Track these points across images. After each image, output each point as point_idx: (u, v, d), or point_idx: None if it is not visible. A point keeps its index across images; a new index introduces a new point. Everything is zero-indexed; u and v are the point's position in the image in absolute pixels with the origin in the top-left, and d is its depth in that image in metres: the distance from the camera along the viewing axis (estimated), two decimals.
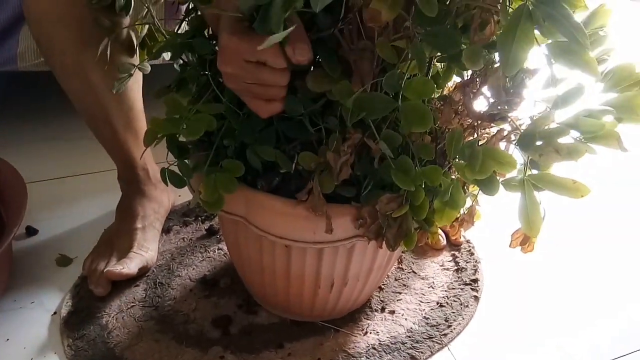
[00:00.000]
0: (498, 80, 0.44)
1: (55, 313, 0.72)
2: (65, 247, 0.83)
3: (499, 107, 0.46)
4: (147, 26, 0.70)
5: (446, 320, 0.71)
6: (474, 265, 0.80)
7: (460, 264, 0.80)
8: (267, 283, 0.64)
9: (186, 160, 0.56)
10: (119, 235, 0.78)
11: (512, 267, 0.82)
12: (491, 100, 0.47)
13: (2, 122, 1.15)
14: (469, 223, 0.53)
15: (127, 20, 0.69)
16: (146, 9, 0.67)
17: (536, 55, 0.45)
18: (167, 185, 0.57)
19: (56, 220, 0.89)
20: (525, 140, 0.44)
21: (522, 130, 0.46)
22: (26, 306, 0.74)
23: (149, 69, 0.67)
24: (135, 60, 0.72)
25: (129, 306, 0.72)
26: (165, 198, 0.87)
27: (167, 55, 0.65)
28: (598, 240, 0.89)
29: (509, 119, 0.47)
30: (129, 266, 0.73)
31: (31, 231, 0.86)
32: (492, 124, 0.49)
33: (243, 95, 0.50)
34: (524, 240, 0.51)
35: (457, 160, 0.48)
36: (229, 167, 0.52)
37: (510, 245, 0.53)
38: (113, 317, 0.70)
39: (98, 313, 0.71)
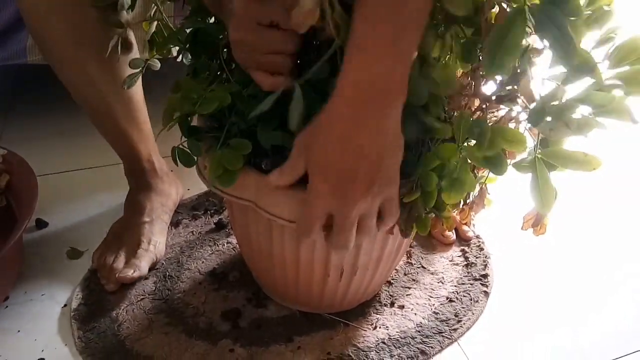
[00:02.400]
0: None
1: (65, 305, 0.73)
2: (75, 240, 0.83)
3: (508, 88, 0.46)
4: (155, 23, 0.69)
5: (456, 315, 0.70)
6: (484, 261, 0.80)
7: (469, 259, 0.80)
8: (277, 273, 0.64)
9: (197, 141, 0.56)
10: (127, 229, 0.78)
11: (522, 262, 0.81)
12: (499, 80, 0.47)
13: (13, 115, 1.15)
14: (479, 206, 0.53)
15: (133, 17, 0.69)
16: (155, 6, 0.67)
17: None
18: (177, 165, 0.57)
19: (66, 213, 0.89)
20: (535, 116, 0.44)
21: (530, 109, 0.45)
22: (37, 299, 0.74)
23: (158, 65, 0.67)
24: (137, 55, 0.72)
25: (138, 299, 0.73)
26: (173, 191, 0.87)
27: (174, 51, 0.65)
28: (609, 235, 0.88)
29: (518, 100, 0.47)
30: (140, 267, 0.74)
31: (41, 224, 0.86)
32: (500, 106, 0.49)
33: (249, 67, 0.50)
34: (536, 221, 0.51)
35: (466, 143, 0.48)
36: (236, 144, 0.52)
37: (522, 228, 0.52)
38: (123, 309, 0.71)
39: (108, 306, 0.71)
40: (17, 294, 0.75)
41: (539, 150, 0.47)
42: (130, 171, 0.84)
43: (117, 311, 0.71)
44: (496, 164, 0.46)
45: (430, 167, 0.48)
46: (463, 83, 0.49)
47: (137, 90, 0.77)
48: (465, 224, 0.82)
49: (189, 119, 0.55)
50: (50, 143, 1.07)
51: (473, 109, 0.50)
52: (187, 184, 0.93)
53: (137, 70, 0.65)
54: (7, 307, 0.72)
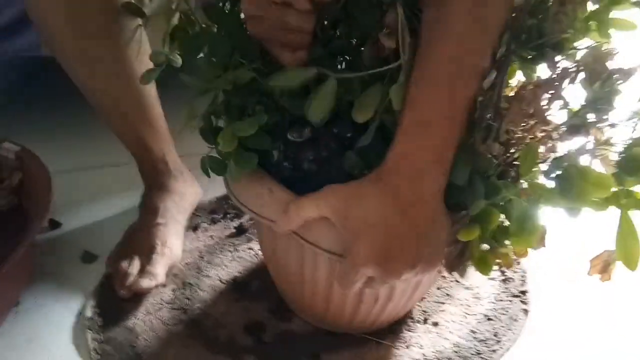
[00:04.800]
0: (594, 75, 0.39)
1: (79, 313, 0.69)
2: (90, 242, 0.79)
3: (585, 116, 0.41)
4: (177, 15, 0.65)
5: (495, 335, 0.66)
6: (522, 276, 0.75)
7: (506, 274, 0.75)
8: (306, 293, 0.59)
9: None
10: (140, 232, 0.74)
11: (561, 278, 0.76)
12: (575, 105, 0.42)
13: (26, 109, 1.11)
14: (540, 244, 0.47)
15: (154, 6, 0.65)
16: None
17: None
18: (208, 176, 0.53)
19: (81, 213, 0.85)
20: (630, 165, 0.38)
21: (612, 146, 0.40)
22: (49, 305, 0.70)
23: (180, 61, 0.63)
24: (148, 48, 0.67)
25: (156, 308, 0.69)
26: (189, 191, 0.82)
27: None
28: None
29: (596, 131, 0.42)
30: (155, 275, 0.69)
31: (54, 224, 0.83)
32: (571, 137, 0.44)
33: (267, 42, 0.48)
34: (604, 267, 0.46)
35: (531, 178, 0.43)
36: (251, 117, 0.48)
37: (589, 273, 0.47)
38: (140, 319, 0.67)
39: (124, 315, 0.67)
40: (28, 300, 0.71)
41: (624, 200, 0.40)
42: (143, 171, 0.80)
43: (133, 321, 0.67)
44: (575, 210, 0.41)
45: (491, 201, 0.43)
46: (527, 97, 0.44)
47: (150, 84, 0.73)
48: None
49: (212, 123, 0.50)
50: (65, 138, 1.02)
51: (538, 137, 0.45)
52: (204, 185, 0.88)
53: (157, 63, 0.61)
54: (17, 313, 0.69)
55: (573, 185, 0.39)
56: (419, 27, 0.45)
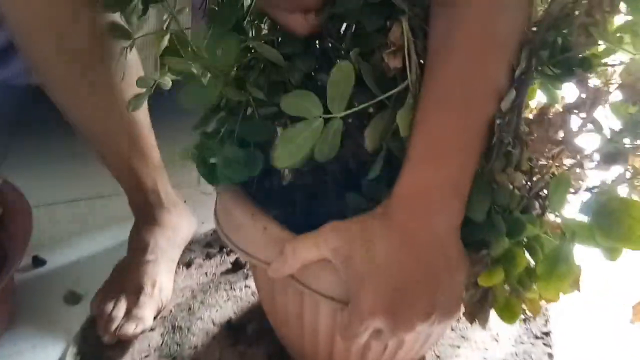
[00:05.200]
0: (634, 94, 0.33)
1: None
2: (75, 280, 0.74)
3: (622, 141, 0.35)
4: (168, 36, 0.61)
5: None
6: (544, 315, 0.68)
7: (527, 313, 0.68)
8: (306, 340, 0.53)
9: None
10: (128, 270, 0.69)
11: (587, 317, 0.70)
12: (608, 132, 0.36)
13: (17, 137, 1.07)
14: (573, 287, 0.41)
15: (146, 28, 0.61)
16: (169, 16, 0.58)
17: None
18: (212, 185, 0.48)
19: (68, 248, 0.80)
20: None
21: None
22: (27, 350, 0.65)
23: (170, 84, 0.58)
24: (140, 73, 0.63)
25: (143, 355, 0.63)
26: (183, 224, 0.77)
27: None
28: None
29: (634, 159, 0.36)
30: (142, 319, 0.64)
31: (38, 262, 0.77)
32: (607, 166, 0.38)
33: (275, 10, 0.43)
34: None
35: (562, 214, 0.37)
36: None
37: (631, 321, 0.41)
38: None
39: None
40: (6, 345, 0.65)
41: None
42: (133, 203, 0.74)
43: None
44: (615, 251, 0.35)
45: (517, 239, 0.37)
46: (554, 122, 0.38)
47: (142, 111, 0.68)
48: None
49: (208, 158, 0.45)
50: (56, 168, 0.97)
51: (566, 165, 0.39)
52: (200, 216, 0.83)
53: (143, 90, 0.56)
54: None
55: (616, 221, 0.33)
56: (427, 44, 0.40)
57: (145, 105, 0.67)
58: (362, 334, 0.40)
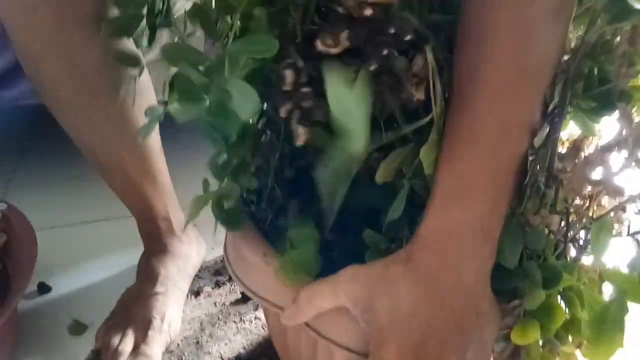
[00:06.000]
0: None
1: None
2: (81, 309, 0.71)
3: None
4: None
5: None
6: None
7: None
8: None
9: None
10: (137, 302, 0.66)
11: None
12: None
13: (24, 159, 1.06)
14: (616, 344, 0.37)
15: (150, 55, 0.59)
16: (179, 40, 0.56)
17: None
18: (225, 228, 0.46)
19: (74, 275, 0.78)
20: None
21: None
22: None
23: (180, 113, 0.56)
24: (152, 99, 0.61)
25: None
26: (193, 252, 0.74)
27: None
28: None
29: None
30: (151, 355, 0.61)
31: (44, 288, 0.75)
32: None
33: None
34: None
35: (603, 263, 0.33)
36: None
37: None
38: None
39: None
40: None
41: None
42: (143, 230, 0.72)
43: None
44: None
45: (552, 292, 0.34)
46: (592, 160, 0.35)
47: (153, 138, 0.66)
48: None
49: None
50: (63, 191, 0.96)
51: (605, 207, 0.36)
52: (208, 242, 0.80)
53: (153, 118, 0.54)
54: None
55: None
56: (453, 76, 0.38)
57: (156, 128, 0.65)
58: None
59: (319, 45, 0.35)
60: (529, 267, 0.36)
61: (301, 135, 0.38)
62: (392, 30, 0.35)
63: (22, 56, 0.57)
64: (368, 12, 0.34)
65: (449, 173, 0.36)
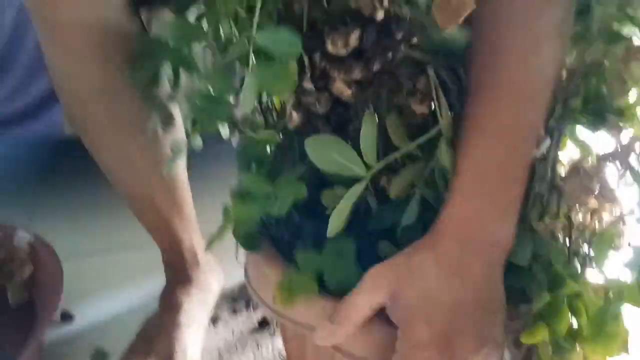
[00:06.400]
0: None
1: None
2: (103, 338, 0.73)
3: None
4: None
5: None
6: None
7: None
8: None
9: None
10: (159, 332, 0.67)
11: None
12: None
13: (43, 191, 1.10)
14: (622, 350, 0.38)
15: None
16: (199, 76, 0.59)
17: None
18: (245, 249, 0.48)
19: (97, 303, 0.79)
20: None
21: None
22: None
23: (200, 144, 0.59)
24: (182, 135, 0.64)
25: None
26: (214, 282, 0.76)
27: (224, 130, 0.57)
28: None
29: None
30: None
31: (66, 317, 0.77)
32: None
33: None
34: None
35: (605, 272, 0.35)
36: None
37: None
38: None
39: None
40: None
41: None
42: (169, 262, 0.74)
43: None
44: None
45: (558, 293, 0.36)
46: (589, 171, 0.37)
47: (180, 171, 0.69)
48: None
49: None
50: (85, 220, 0.98)
51: (607, 220, 0.38)
52: (226, 270, 0.82)
53: (178, 153, 0.57)
54: None
55: None
56: (453, 90, 0.41)
57: (184, 163, 0.68)
58: None
59: (329, 47, 0.38)
60: (535, 268, 0.37)
61: (294, 119, 0.41)
62: (399, 36, 0.37)
63: (68, 103, 0.60)
64: (380, 14, 0.36)
65: (468, 164, 0.39)
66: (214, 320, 0.75)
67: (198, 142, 0.61)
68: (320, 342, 0.41)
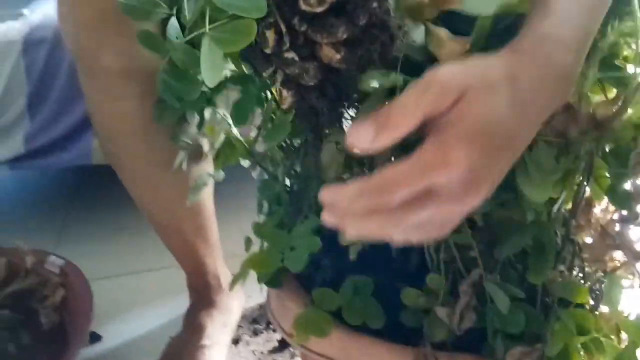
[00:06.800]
0: None
1: None
2: (129, 356, 0.76)
3: None
4: (222, 134, 0.65)
5: None
6: None
7: None
8: None
9: None
10: (183, 353, 0.71)
11: None
12: None
13: (73, 214, 1.14)
14: None
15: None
16: (221, 115, 0.62)
17: None
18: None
19: (123, 324, 0.83)
20: None
21: None
22: None
23: (222, 176, 0.62)
24: (209, 167, 0.67)
25: None
26: (235, 304, 0.79)
27: (245, 162, 0.60)
28: None
29: None
30: None
31: (94, 337, 0.80)
32: None
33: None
34: None
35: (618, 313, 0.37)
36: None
37: None
38: None
39: None
40: None
41: None
42: (194, 286, 0.77)
43: None
44: None
45: (565, 341, 0.38)
46: (610, 231, 0.39)
47: (208, 203, 0.72)
48: None
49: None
50: (111, 243, 1.03)
51: (617, 264, 0.40)
52: (247, 289, 0.85)
53: (203, 185, 0.60)
54: None
55: None
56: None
57: (210, 195, 0.72)
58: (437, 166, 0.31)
59: (301, 3, 0.33)
60: (551, 315, 0.39)
61: (287, 99, 0.37)
62: None
63: (105, 138, 0.64)
64: None
65: (543, 9, 0.35)
66: (236, 341, 0.78)
67: (220, 175, 0.64)
68: (356, 144, 0.32)
